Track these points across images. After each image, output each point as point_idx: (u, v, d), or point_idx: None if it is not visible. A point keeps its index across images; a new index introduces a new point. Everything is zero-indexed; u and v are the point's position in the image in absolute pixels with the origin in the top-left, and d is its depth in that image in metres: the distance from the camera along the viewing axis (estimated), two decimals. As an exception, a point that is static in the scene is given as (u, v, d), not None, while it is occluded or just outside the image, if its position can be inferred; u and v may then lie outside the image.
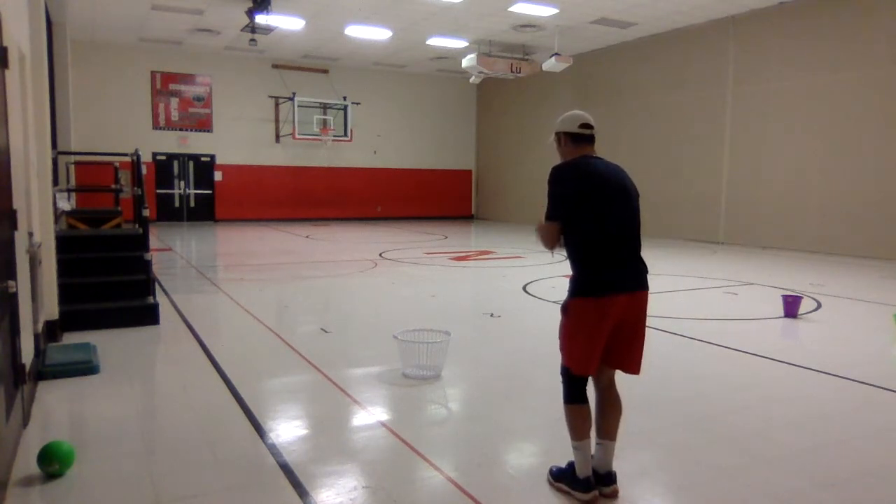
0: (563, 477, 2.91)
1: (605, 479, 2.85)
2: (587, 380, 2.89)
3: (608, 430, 2.90)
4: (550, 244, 2.85)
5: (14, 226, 3.61)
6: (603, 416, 2.93)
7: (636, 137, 17.08)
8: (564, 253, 2.87)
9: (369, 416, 3.85)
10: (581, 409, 2.85)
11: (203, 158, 19.98)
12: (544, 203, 2.88)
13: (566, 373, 2.89)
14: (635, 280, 2.86)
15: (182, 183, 19.86)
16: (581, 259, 2.80)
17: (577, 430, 2.84)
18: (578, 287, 2.79)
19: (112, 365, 4.79)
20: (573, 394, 2.87)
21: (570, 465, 2.88)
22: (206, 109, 19.74)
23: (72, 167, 12.87)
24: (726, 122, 14.67)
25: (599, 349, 2.81)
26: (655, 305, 7.17)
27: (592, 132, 2.98)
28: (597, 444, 2.91)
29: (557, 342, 2.92)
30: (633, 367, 2.93)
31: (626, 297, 2.80)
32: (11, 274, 3.42)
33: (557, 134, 3.02)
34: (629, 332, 2.88)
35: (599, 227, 2.79)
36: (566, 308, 2.84)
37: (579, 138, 2.97)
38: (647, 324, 2.95)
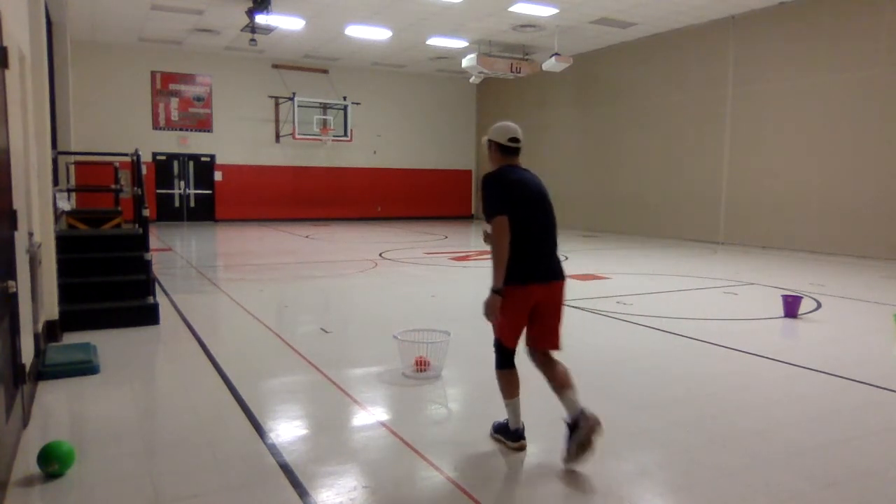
0: (500, 430, 3.46)
1: (582, 416, 3.20)
2: (515, 350, 3.36)
3: (563, 383, 3.31)
4: (506, 237, 3.14)
5: (14, 226, 3.61)
6: (555, 380, 3.34)
7: (636, 137, 17.08)
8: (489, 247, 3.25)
9: (369, 416, 3.85)
10: (510, 373, 3.36)
11: (203, 158, 19.99)
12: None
13: (498, 344, 3.35)
14: (552, 272, 3.34)
15: (182, 183, 19.86)
16: (510, 254, 3.19)
17: (508, 390, 3.36)
18: (508, 276, 3.18)
19: (112, 365, 4.79)
20: (504, 361, 3.35)
21: (507, 421, 3.41)
22: (206, 109, 19.75)
23: (72, 167, 12.87)
24: (726, 122, 14.67)
25: (522, 326, 3.34)
26: (655, 305, 7.21)
27: (519, 146, 3.39)
28: (562, 399, 3.30)
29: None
30: (554, 343, 3.41)
31: (544, 286, 3.29)
32: (11, 274, 3.42)
33: (489, 141, 3.39)
34: (548, 315, 3.34)
35: (525, 228, 3.22)
36: (500, 292, 3.19)
37: (507, 150, 3.37)
38: (563, 307, 3.39)
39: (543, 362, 3.40)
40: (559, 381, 3.31)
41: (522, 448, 3.35)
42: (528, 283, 3.22)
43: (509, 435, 3.40)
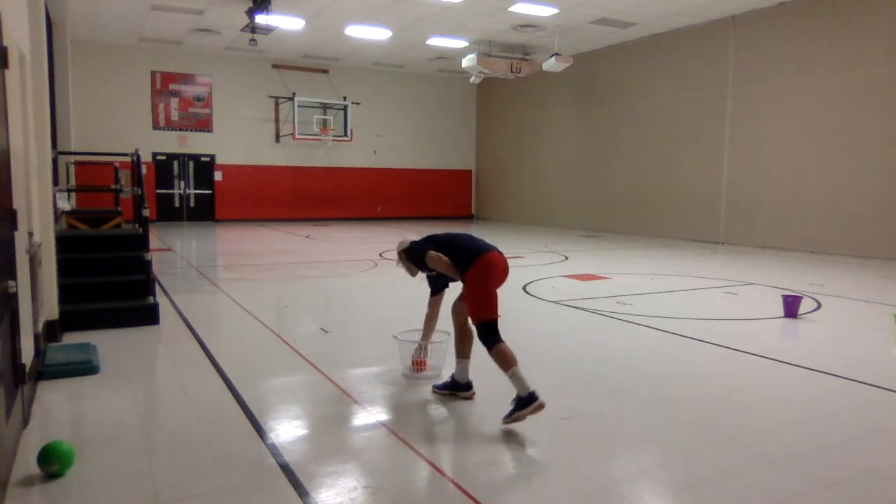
0: (519, 405, 3.61)
1: (467, 387, 4.15)
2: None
3: (467, 352, 4.15)
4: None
5: (14, 226, 3.61)
6: (464, 343, 4.15)
7: (636, 137, 17.08)
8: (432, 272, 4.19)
9: (369, 416, 3.86)
10: (504, 345, 3.77)
11: (203, 158, 19.99)
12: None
13: (491, 323, 3.79)
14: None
15: (182, 183, 19.86)
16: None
17: (509, 361, 3.70)
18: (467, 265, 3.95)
19: (112, 365, 4.79)
20: (498, 336, 3.79)
21: (517, 398, 3.66)
22: (206, 109, 19.75)
23: (72, 167, 12.87)
24: (726, 122, 14.67)
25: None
26: (655, 305, 7.21)
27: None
28: (458, 362, 4.13)
29: (476, 313, 3.86)
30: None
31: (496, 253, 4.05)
32: (11, 274, 3.42)
33: (406, 251, 4.32)
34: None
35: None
36: (468, 278, 3.91)
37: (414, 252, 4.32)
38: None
39: (466, 322, 4.15)
40: (467, 349, 4.15)
41: (542, 406, 3.58)
42: (483, 252, 4.05)
43: (526, 402, 3.59)
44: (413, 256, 4.22)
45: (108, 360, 4.86)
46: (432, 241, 4.27)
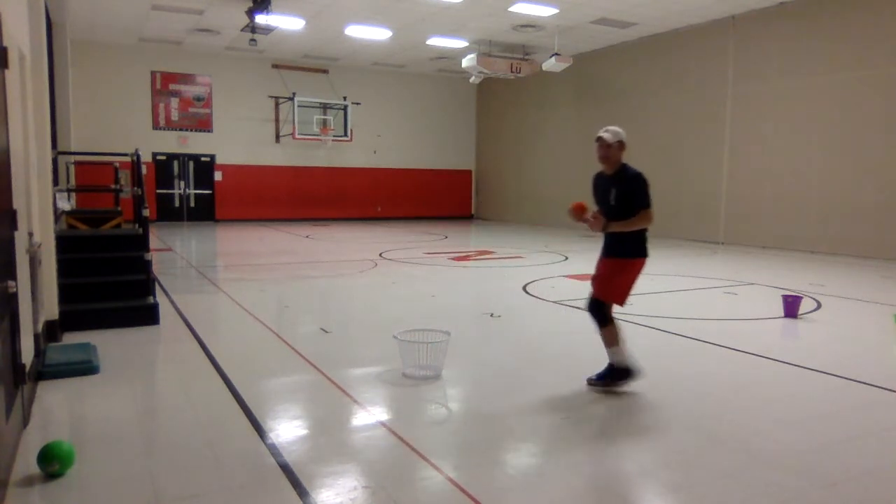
0: (613, 375, 4.25)
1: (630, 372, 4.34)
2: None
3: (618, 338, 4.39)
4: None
5: (14, 226, 3.61)
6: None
7: (636, 137, 16.99)
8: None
9: (369, 416, 3.85)
10: (614, 327, 4.30)
11: (203, 158, 19.99)
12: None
13: (604, 305, 4.29)
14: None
15: (182, 183, 19.86)
16: (639, 234, 4.30)
17: (615, 340, 4.26)
18: (635, 251, 4.29)
19: (112, 365, 4.79)
20: (608, 319, 4.30)
21: (609, 369, 4.31)
22: (206, 109, 19.75)
23: (72, 167, 12.87)
24: (726, 122, 14.67)
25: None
26: (656, 305, 7.21)
27: None
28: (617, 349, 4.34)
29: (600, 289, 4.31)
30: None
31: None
32: (11, 274, 3.42)
33: (621, 142, 4.26)
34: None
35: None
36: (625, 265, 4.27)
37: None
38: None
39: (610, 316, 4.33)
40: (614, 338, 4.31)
41: (640, 374, 4.25)
42: (646, 257, 4.30)
43: (621, 374, 4.23)
44: (642, 183, 4.21)
45: (108, 360, 4.86)
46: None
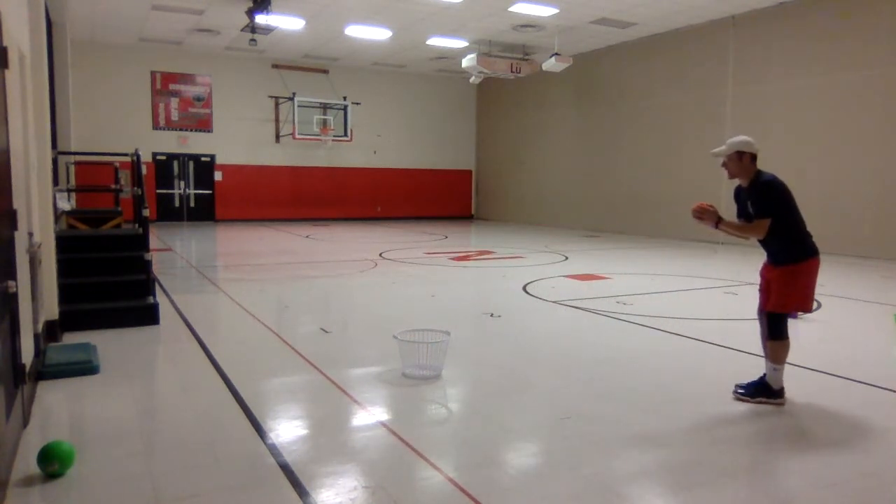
0: (760, 391, 4.05)
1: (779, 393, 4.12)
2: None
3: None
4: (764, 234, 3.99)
5: (14, 226, 3.61)
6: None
7: (636, 137, 17.08)
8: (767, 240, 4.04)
9: (369, 416, 3.85)
10: (787, 341, 4.10)
11: (203, 158, 19.99)
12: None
13: (781, 316, 4.08)
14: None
15: (182, 183, 19.86)
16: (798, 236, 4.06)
17: (784, 357, 4.07)
18: (802, 253, 4.03)
19: (112, 365, 4.79)
20: (784, 331, 4.09)
21: (761, 382, 4.09)
22: (206, 109, 19.75)
23: (72, 167, 12.86)
24: (726, 122, 14.66)
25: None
26: (655, 305, 7.21)
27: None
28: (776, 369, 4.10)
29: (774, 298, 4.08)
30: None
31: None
32: (11, 274, 3.42)
33: (742, 153, 4.04)
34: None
35: (800, 216, 4.07)
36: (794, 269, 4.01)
37: (756, 159, 4.11)
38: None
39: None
40: (783, 356, 4.07)
41: (784, 403, 4.04)
42: (816, 255, 4.03)
43: (775, 393, 4.04)
44: (766, 190, 3.98)
45: (108, 360, 4.86)
46: (785, 204, 4.03)
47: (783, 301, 4.05)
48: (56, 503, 2.85)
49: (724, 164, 4.11)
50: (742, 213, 4.16)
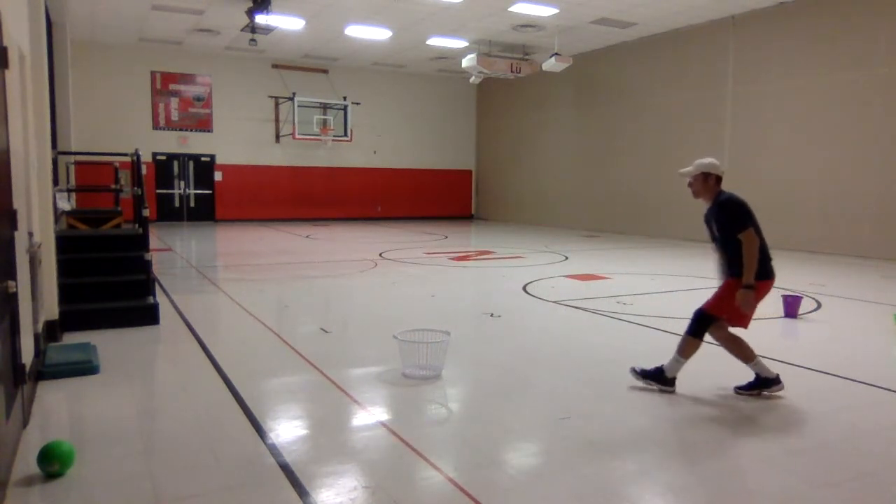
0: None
1: (776, 381, 4.21)
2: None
3: (751, 354, 4.24)
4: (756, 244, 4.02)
5: (14, 226, 3.61)
6: (741, 348, 4.25)
7: (636, 137, 17.08)
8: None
9: (369, 416, 3.85)
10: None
11: (203, 158, 19.99)
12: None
13: (709, 319, 4.17)
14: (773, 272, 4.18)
15: (182, 183, 19.86)
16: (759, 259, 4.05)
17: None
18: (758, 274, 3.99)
19: (112, 365, 4.79)
20: (703, 329, 4.21)
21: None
22: (206, 109, 19.75)
23: (72, 167, 12.86)
24: (726, 122, 14.67)
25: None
26: (655, 305, 7.21)
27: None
28: (755, 366, 4.21)
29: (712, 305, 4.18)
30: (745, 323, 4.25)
31: (771, 282, 4.13)
32: (11, 274, 3.42)
33: (708, 174, 4.23)
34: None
35: (761, 238, 4.09)
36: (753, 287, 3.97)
37: (720, 180, 4.30)
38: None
39: (728, 337, 4.22)
40: (749, 353, 4.16)
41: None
42: (770, 278, 4.09)
43: (667, 381, 4.20)
44: (732, 207, 4.10)
45: (108, 360, 4.86)
46: (752, 218, 4.11)
47: (719, 305, 4.14)
48: (56, 503, 2.85)
49: (690, 184, 4.25)
50: (712, 236, 4.29)
